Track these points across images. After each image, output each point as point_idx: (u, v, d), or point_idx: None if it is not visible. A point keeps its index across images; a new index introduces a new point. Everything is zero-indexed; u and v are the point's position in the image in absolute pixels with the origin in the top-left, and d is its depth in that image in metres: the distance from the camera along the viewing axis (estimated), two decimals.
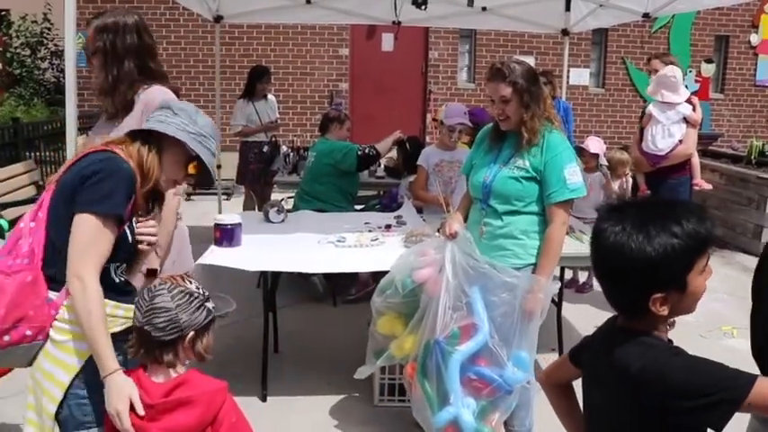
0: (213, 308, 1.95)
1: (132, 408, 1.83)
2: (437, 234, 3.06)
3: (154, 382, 1.88)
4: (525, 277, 2.91)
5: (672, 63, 5.09)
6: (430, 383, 2.90)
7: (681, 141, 4.92)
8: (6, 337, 1.87)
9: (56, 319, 1.91)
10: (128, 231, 2.03)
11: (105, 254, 1.91)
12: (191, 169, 2.14)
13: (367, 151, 5.24)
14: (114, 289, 1.98)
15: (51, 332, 1.91)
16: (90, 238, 1.88)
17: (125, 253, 2.05)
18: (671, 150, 4.91)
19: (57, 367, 1.91)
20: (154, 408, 1.83)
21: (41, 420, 1.95)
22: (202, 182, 2.26)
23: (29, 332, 1.89)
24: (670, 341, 1.56)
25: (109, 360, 1.85)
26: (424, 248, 3.08)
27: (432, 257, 2.96)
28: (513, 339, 2.85)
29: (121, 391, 1.82)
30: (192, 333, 1.88)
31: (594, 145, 5.62)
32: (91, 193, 1.89)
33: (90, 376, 1.92)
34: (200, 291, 1.93)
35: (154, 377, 1.90)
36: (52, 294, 1.93)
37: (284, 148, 7.07)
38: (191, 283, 1.93)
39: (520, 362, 2.85)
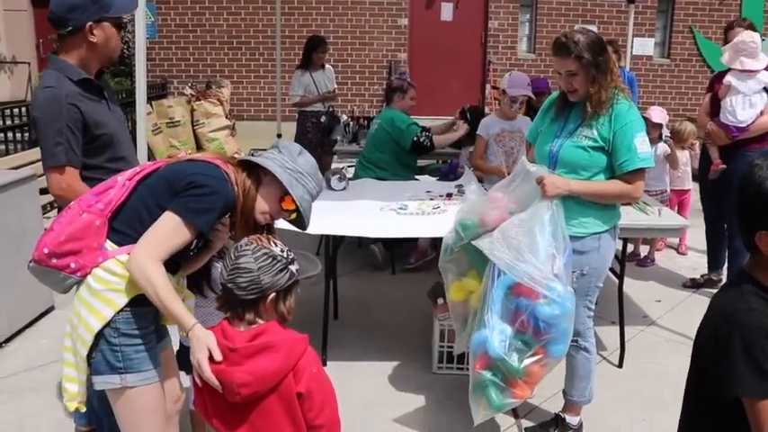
0: (297, 270, 2.00)
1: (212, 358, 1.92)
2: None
3: (238, 330, 1.96)
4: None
5: (750, 27, 4.83)
6: (483, 305, 2.79)
7: (762, 113, 4.64)
8: (54, 260, 2.08)
9: (100, 267, 2.07)
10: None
11: (173, 251, 2.05)
12: (285, 205, 2.20)
13: (422, 140, 5.16)
14: None
15: (90, 278, 2.07)
16: (169, 234, 2.03)
17: (182, 256, 2.19)
18: (753, 122, 4.64)
19: (90, 314, 2.06)
20: (237, 351, 1.90)
21: (76, 361, 2.13)
22: (298, 224, 2.35)
23: (72, 264, 2.08)
24: None
25: (185, 319, 1.99)
26: (494, 194, 2.96)
27: (503, 202, 2.88)
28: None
29: (200, 342, 1.93)
30: (273, 294, 1.95)
31: (658, 115, 5.50)
32: (191, 202, 2.03)
33: (123, 326, 2.08)
34: (284, 254, 1.98)
35: (237, 328, 1.98)
36: (109, 244, 2.10)
37: (344, 118, 7.09)
38: (275, 245, 1.98)
39: (554, 293, 2.65)
